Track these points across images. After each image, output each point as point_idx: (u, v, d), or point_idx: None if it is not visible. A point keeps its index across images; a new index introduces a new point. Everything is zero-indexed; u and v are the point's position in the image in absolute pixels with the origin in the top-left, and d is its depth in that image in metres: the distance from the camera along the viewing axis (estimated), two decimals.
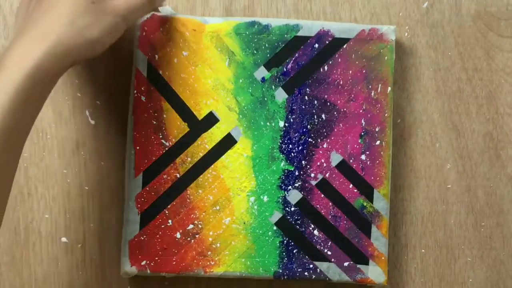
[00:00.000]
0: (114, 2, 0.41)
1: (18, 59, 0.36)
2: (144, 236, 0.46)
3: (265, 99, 0.47)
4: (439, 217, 0.49)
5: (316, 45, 0.47)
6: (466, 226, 0.49)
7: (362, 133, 0.47)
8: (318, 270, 0.46)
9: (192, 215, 0.46)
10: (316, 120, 0.47)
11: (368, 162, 0.46)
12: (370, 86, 0.47)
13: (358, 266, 0.46)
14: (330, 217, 0.46)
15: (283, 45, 0.47)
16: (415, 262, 0.49)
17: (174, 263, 0.46)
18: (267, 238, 0.46)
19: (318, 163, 0.46)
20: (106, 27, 0.40)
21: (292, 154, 0.47)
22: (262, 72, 0.47)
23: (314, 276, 0.46)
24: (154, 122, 0.46)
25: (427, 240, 0.49)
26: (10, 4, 0.49)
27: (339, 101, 0.47)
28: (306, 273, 0.46)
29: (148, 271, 0.45)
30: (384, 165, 0.46)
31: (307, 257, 0.46)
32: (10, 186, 0.37)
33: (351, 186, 0.46)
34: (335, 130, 0.47)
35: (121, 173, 0.48)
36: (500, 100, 0.49)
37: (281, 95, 0.47)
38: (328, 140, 0.47)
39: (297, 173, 0.46)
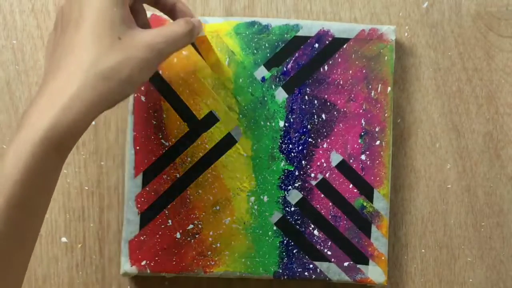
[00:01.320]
0: (146, 34, 0.35)
1: (36, 118, 0.31)
2: (144, 236, 0.46)
3: (265, 98, 0.47)
4: (439, 217, 0.49)
5: (316, 45, 0.47)
6: (466, 226, 0.49)
7: (362, 133, 0.47)
8: (318, 270, 0.46)
9: (192, 215, 0.46)
10: (316, 120, 0.47)
11: (368, 162, 0.46)
12: (370, 86, 0.47)
13: (358, 266, 0.46)
14: (330, 217, 0.46)
15: (283, 45, 0.47)
16: (415, 262, 0.49)
17: (174, 263, 0.46)
18: (267, 238, 0.46)
19: (318, 163, 0.46)
20: (137, 66, 0.34)
21: (292, 154, 0.47)
22: (262, 72, 0.47)
23: (314, 276, 0.46)
24: (154, 122, 0.46)
25: (427, 240, 0.49)
26: (10, 4, 0.49)
27: (339, 101, 0.47)
28: (306, 273, 0.46)
29: (148, 271, 0.45)
30: (384, 165, 0.46)
31: (307, 257, 0.46)
32: (23, 272, 0.33)
33: (351, 186, 0.46)
34: (335, 130, 0.47)
35: (121, 173, 0.48)
36: (500, 100, 0.49)
37: (281, 94, 0.47)
38: (328, 140, 0.47)
39: (297, 173, 0.46)
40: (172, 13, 0.40)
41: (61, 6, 0.36)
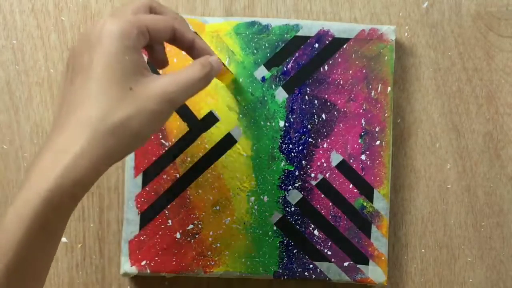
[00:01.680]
0: (159, 83, 0.33)
1: (38, 177, 0.30)
2: (144, 236, 0.46)
3: (265, 98, 0.47)
4: (439, 217, 0.49)
5: (316, 45, 0.47)
6: (466, 226, 0.49)
7: (362, 133, 0.47)
8: (318, 270, 0.46)
9: (192, 215, 0.46)
10: (316, 120, 0.47)
11: (368, 162, 0.46)
12: (370, 86, 0.47)
13: (358, 266, 0.46)
14: (330, 217, 0.46)
15: (283, 45, 0.47)
16: (415, 262, 0.49)
17: (174, 263, 0.46)
18: (267, 238, 0.46)
19: (318, 163, 0.46)
20: (148, 118, 0.32)
21: (292, 154, 0.47)
22: (262, 72, 0.47)
23: (314, 276, 0.46)
24: None
25: (427, 240, 0.49)
26: (10, 4, 0.49)
27: (339, 101, 0.47)
28: (306, 273, 0.46)
29: (148, 271, 0.45)
30: (384, 165, 0.46)
31: (307, 257, 0.46)
32: None
33: (351, 186, 0.46)
34: (335, 130, 0.47)
35: (121, 173, 0.48)
36: (500, 100, 0.49)
37: (281, 94, 0.47)
38: (328, 140, 0.47)
39: (297, 173, 0.46)
40: (191, 50, 0.38)
41: (73, 46, 0.34)
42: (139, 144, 0.33)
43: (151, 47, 0.37)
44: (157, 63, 0.38)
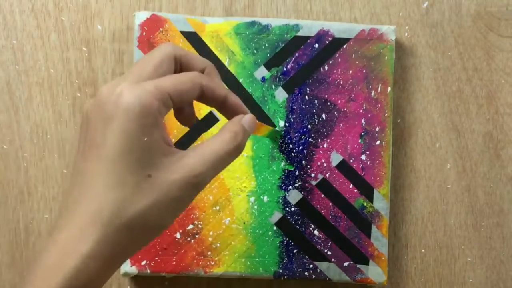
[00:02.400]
0: (182, 163, 0.29)
1: (44, 279, 0.26)
2: None
3: (265, 98, 0.47)
4: (439, 217, 0.49)
5: (316, 45, 0.47)
6: (466, 226, 0.49)
7: (362, 133, 0.47)
8: (318, 270, 0.46)
9: (192, 215, 0.46)
10: (316, 120, 0.47)
11: (368, 162, 0.46)
12: (370, 86, 0.47)
13: (358, 266, 0.46)
14: (330, 217, 0.46)
15: (283, 45, 0.47)
16: (415, 262, 0.49)
17: (174, 263, 0.46)
18: (267, 238, 0.46)
19: (318, 163, 0.46)
20: (169, 207, 0.28)
21: (292, 154, 0.47)
22: (262, 72, 0.47)
23: (314, 276, 0.46)
24: None
25: (427, 240, 0.49)
26: (10, 4, 0.49)
27: (339, 101, 0.47)
28: (306, 273, 0.46)
29: (148, 271, 0.45)
30: (384, 165, 0.46)
31: (307, 257, 0.46)
32: None
33: (351, 186, 0.46)
34: (335, 130, 0.47)
35: None
36: (500, 100, 0.49)
37: (281, 94, 0.47)
38: (328, 140, 0.47)
39: (297, 173, 0.46)
40: (223, 107, 0.33)
41: (86, 110, 0.29)
42: (157, 235, 0.29)
43: (179, 110, 0.34)
44: (184, 121, 0.35)
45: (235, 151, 0.31)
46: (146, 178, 0.27)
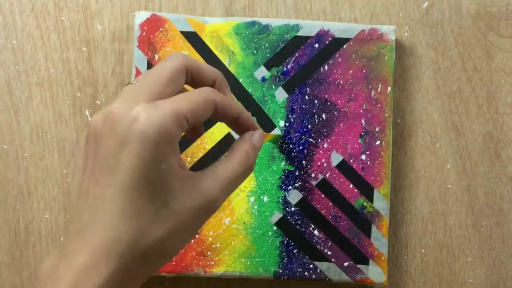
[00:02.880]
0: (197, 189, 0.28)
1: None
2: None
3: (265, 98, 0.47)
4: (439, 217, 0.49)
5: (316, 45, 0.47)
6: (466, 226, 0.49)
7: (362, 133, 0.47)
8: (318, 270, 0.46)
9: None
10: (317, 120, 0.47)
11: (368, 162, 0.46)
12: (370, 86, 0.47)
13: (358, 266, 0.46)
14: (330, 217, 0.46)
15: (283, 45, 0.47)
16: (415, 262, 0.49)
17: (174, 263, 0.46)
18: (267, 238, 0.46)
19: (319, 163, 0.46)
20: (185, 233, 0.28)
21: (293, 154, 0.47)
22: (262, 72, 0.47)
23: (314, 276, 0.46)
24: None
25: (427, 240, 0.49)
26: (10, 4, 0.49)
27: (339, 101, 0.47)
28: (306, 273, 0.46)
29: None
30: (384, 165, 0.47)
31: (307, 257, 0.46)
32: None
33: (351, 186, 0.46)
34: (335, 130, 0.47)
35: None
36: (500, 100, 0.49)
37: (281, 94, 0.47)
38: (329, 140, 0.47)
39: (297, 173, 0.46)
40: (234, 123, 0.33)
41: (94, 126, 0.28)
42: (171, 260, 0.29)
43: (193, 129, 0.34)
44: (192, 135, 0.35)
45: (248, 171, 0.31)
46: (163, 207, 0.27)
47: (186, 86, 0.32)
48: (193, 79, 0.32)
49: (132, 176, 0.26)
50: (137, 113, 0.26)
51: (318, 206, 0.46)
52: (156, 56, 0.46)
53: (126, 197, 0.26)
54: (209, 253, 0.46)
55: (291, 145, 0.47)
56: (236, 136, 0.46)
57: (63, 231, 0.29)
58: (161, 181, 0.27)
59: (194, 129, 0.34)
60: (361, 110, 0.47)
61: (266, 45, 0.47)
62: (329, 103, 0.47)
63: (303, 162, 0.46)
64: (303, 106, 0.47)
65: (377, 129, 0.47)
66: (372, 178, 0.46)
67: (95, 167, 0.27)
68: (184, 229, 0.28)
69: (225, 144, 0.46)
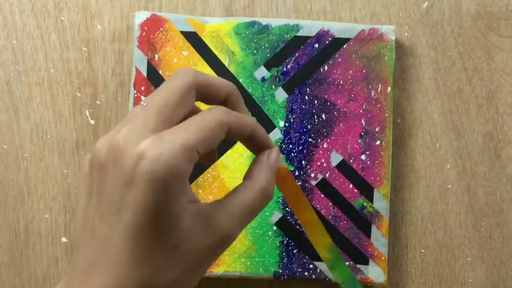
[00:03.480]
0: (211, 225, 0.26)
1: None
2: None
3: (265, 98, 0.47)
4: (439, 217, 0.49)
5: (316, 45, 0.47)
6: (466, 226, 0.49)
7: (362, 133, 0.47)
8: (318, 270, 0.46)
9: None
10: (316, 120, 0.47)
11: (368, 162, 0.46)
12: (370, 86, 0.47)
13: (358, 266, 0.46)
14: (330, 217, 0.46)
15: (283, 45, 0.47)
16: (415, 262, 0.49)
17: None
18: (267, 238, 0.46)
19: (318, 163, 0.46)
20: (196, 274, 0.26)
21: (292, 154, 0.47)
22: (262, 72, 0.47)
23: (314, 276, 0.46)
24: None
25: (427, 240, 0.49)
26: (10, 4, 0.49)
27: (339, 101, 0.47)
28: (306, 273, 0.46)
29: None
30: (384, 165, 0.46)
31: (307, 257, 0.46)
32: None
33: (351, 186, 0.46)
34: (335, 130, 0.47)
35: None
36: (500, 100, 0.49)
37: (281, 95, 0.47)
38: (328, 140, 0.47)
39: (297, 173, 0.46)
40: (247, 141, 0.30)
41: (98, 153, 0.26)
42: None
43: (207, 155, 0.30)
44: (205, 163, 0.32)
45: (267, 200, 0.29)
46: (173, 250, 0.25)
47: (196, 102, 0.30)
48: (205, 95, 0.29)
49: (139, 220, 0.24)
50: (144, 149, 0.24)
51: (318, 206, 0.46)
52: (156, 56, 0.46)
53: (133, 241, 0.24)
54: None
55: (291, 145, 0.47)
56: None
57: (68, 269, 0.29)
58: (171, 223, 0.25)
59: (207, 156, 0.31)
60: (361, 110, 0.47)
61: (266, 45, 0.47)
62: (329, 103, 0.47)
63: (303, 162, 0.46)
64: (303, 106, 0.47)
65: (377, 129, 0.47)
66: (372, 178, 0.46)
67: (100, 202, 0.26)
68: (198, 267, 0.26)
69: (225, 144, 0.46)
